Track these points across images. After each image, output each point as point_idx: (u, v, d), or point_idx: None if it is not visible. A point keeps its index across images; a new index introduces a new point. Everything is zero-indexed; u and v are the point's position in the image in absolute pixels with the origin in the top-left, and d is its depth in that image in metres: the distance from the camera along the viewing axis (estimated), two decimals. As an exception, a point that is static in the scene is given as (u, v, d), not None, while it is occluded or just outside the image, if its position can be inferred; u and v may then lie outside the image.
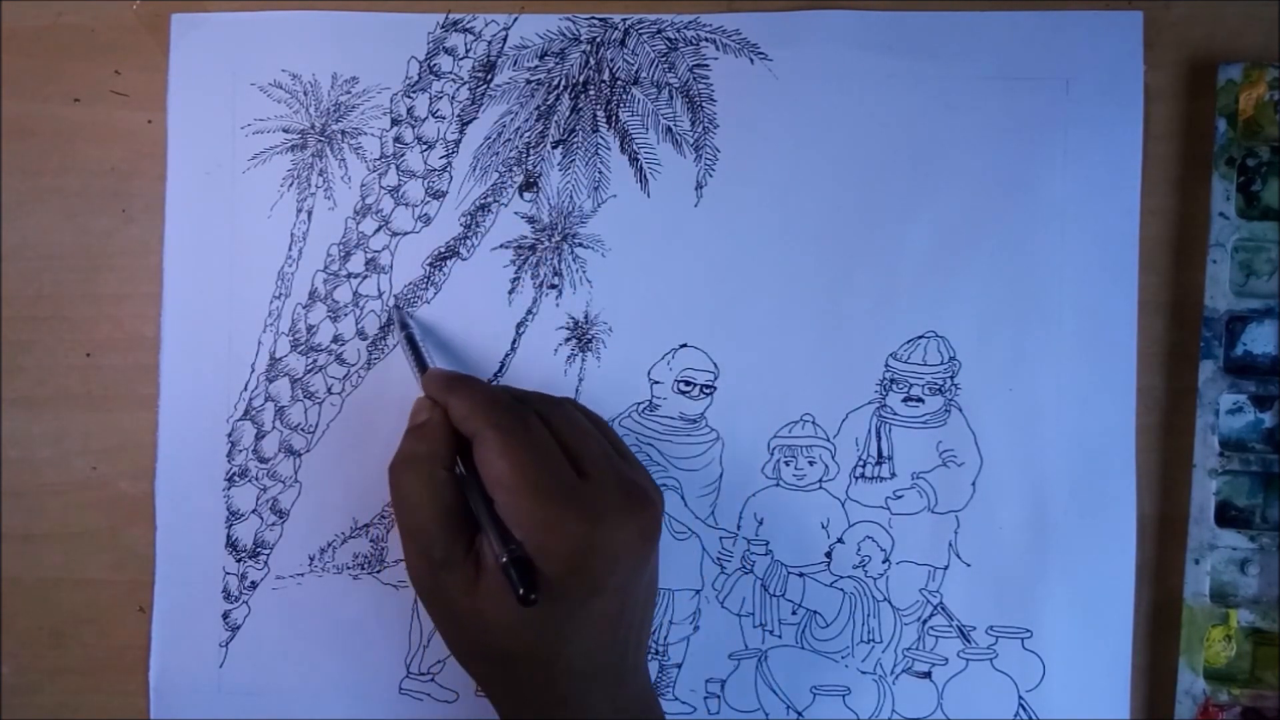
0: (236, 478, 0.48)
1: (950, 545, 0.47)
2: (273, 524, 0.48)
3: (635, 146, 0.47)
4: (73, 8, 0.48)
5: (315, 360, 0.48)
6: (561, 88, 0.47)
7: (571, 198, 0.47)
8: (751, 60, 0.47)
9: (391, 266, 0.48)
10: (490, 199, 0.48)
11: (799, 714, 0.47)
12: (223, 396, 0.48)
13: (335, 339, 0.48)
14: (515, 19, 0.47)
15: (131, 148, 0.48)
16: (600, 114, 0.47)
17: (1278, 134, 0.45)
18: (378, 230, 0.48)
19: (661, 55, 0.47)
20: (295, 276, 0.48)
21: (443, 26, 0.47)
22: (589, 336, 0.47)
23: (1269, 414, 0.46)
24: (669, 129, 0.47)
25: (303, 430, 0.48)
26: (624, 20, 0.47)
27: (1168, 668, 0.46)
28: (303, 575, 0.48)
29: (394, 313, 0.47)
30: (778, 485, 0.47)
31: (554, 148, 0.47)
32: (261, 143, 0.48)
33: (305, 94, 0.48)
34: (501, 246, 0.48)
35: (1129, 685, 0.46)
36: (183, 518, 0.48)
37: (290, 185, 0.48)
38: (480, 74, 0.47)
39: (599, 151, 0.47)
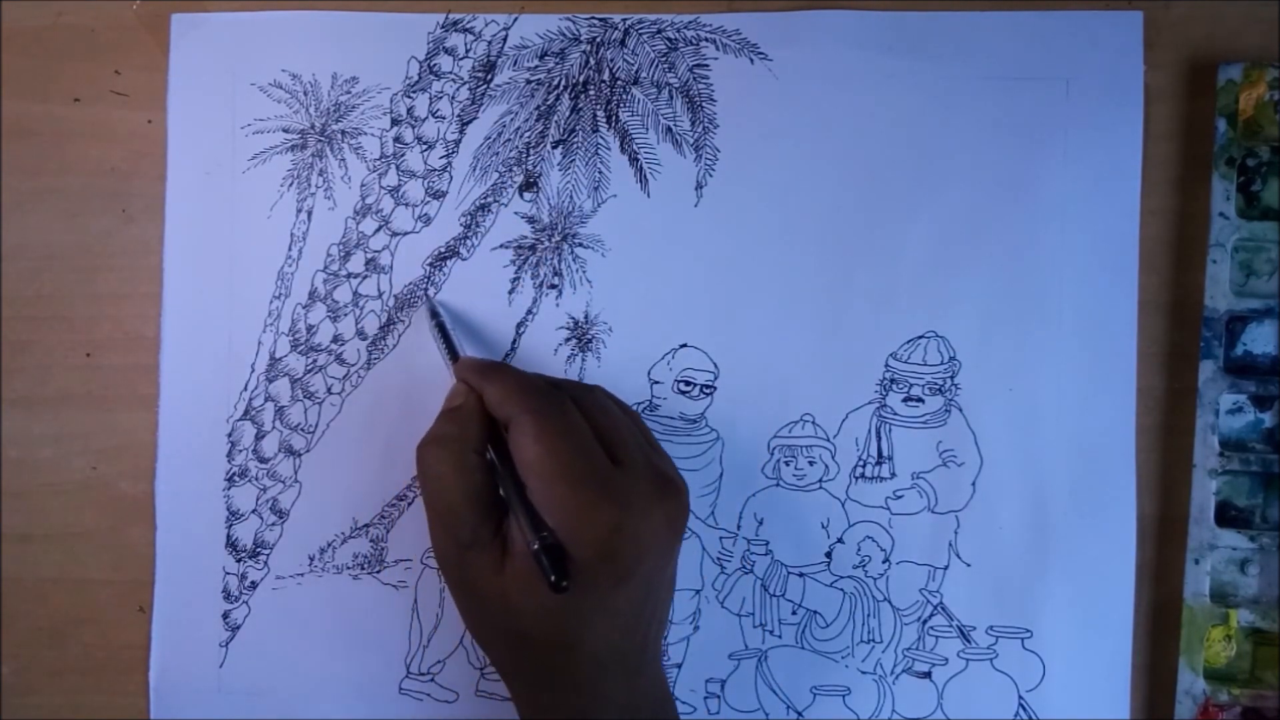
0: (236, 478, 0.48)
1: (950, 545, 0.47)
2: (273, 524, 0.48)
3: (635, 146, 0.47)
4: (73, 8, 0.48)
5: (315, 360, 0.48)
6: (561, 88, 0.47)
7: (571, 198, 0.47)
8: (751, 60, 0.47)
9: (391, 266, 0.48)
10: (490, 199, 0.48)
11: (799, 714, 0.47)
12: (223, 396, 0.48)
13: (335, 339, 0.48)
14: (515, 19, 0.47)
15: (131, 148, 0.48)
16: (600, 114, 0.47)
17: (1278, 134, 0.45)
18: (378, 230, 0.48)
19: (661, 55, 0.47)
20: (295, 276, 0.48)
21: (443, 26, 0.47)
22: (589, 336, 0.47)
23: (1269, 414, 0.46)
24: (669, 129, 0.47)
25: (303, 430, 0.48)
26: (624, 20, 0.47)
27: (1168, 668, 0.46)
28: (303, 575, 0.48)
29: (425, 301, 0.47)
30: (778, 485, 0.47)
31: (554, 148, 0.47)
32: (261, 143, 0.48)
33: (305, 94, 0.48)
34: (501, 246, 0.48)
35: (1129, 685, 0.46)
36: (183, 518, 0.48)
37: (290, 185, 0.48)
38: (480, 74, 0.47)
39: (599, 151, 0.47)
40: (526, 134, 0.48)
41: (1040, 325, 0.46)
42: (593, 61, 0.47)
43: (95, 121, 0.48)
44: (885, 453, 0.47)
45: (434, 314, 0.46)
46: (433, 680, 0.48)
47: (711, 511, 0.47)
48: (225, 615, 0.48)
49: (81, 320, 0.48)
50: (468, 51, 0.47)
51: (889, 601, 0.47)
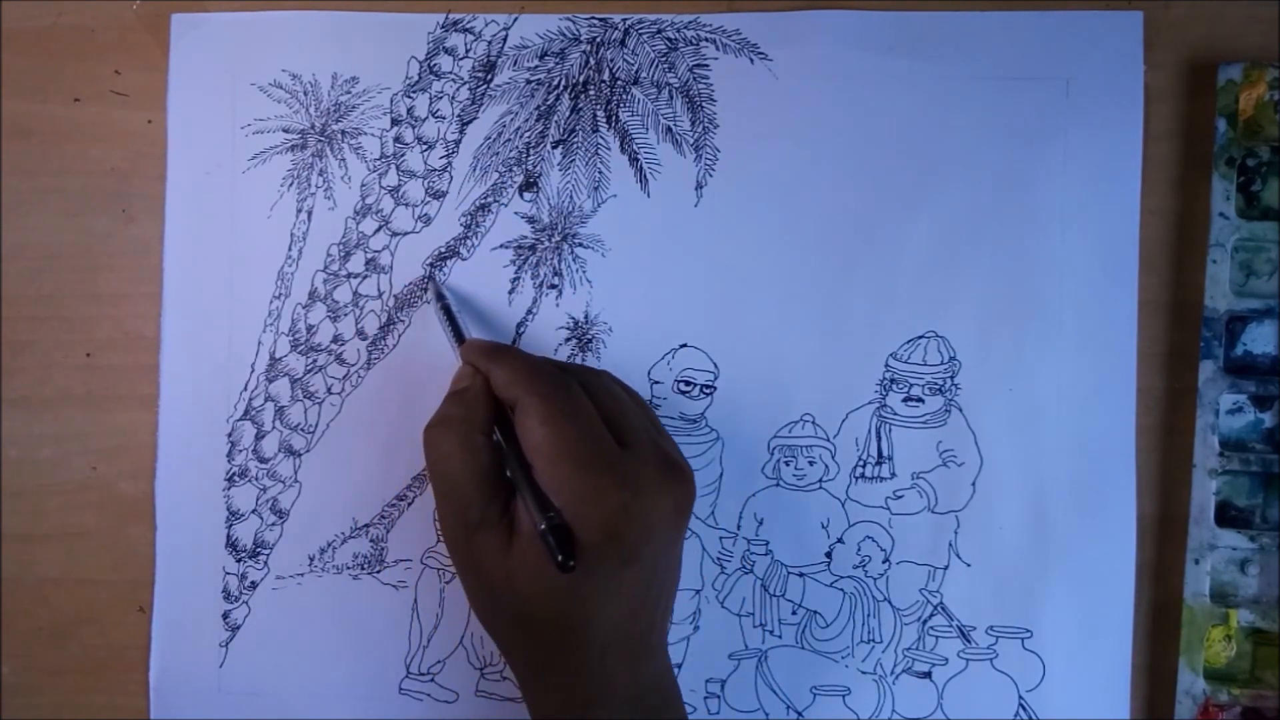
0: (236, 478, 0.48)
1: (950, 545, 0.47)
2: (273, 524, 0.48)
3: (635, 146, 0.47)
4: (73, 8, 0.48)
5: (315, 360, 0.48)
6: (561, 88, 0.47)
7: (571, 198, 0.47)
8: (751, 60, 0.47)
9: (391, 266, 0.48)
10: (490, 199, 0.48)
11: (799, 714, 0.47)
12: (223, 396, 0.48)
13: (335, 339, 0.48)
14: (515, 19, 0.47)
15: (131, 148, 0.48)
16: (600, 114, 0.47)
17: (1278, 134, 0.45)
18: (378, 230, 0.48)
19: (661, 55, 0.47)
20: (295, 276, 0.48)
21: (443, 26, 0.47)
22: (589, 336, 0.47)
23: (1269, 414, 0.46)
24: (669, 129, 0.47)
25: (303, 430, 0.48)
26: (624, 20, 0.47)
27: (1168, 668, 0.46)
28: (303, 575, 0.48)
29: (429, 282, 0.47)
30: (778, 485, 0.47)
31: (554, 148, 0.47)
32: (261, 143, 0.48)
33: (305, 94, 0.48)
34: (501, 246, 0.48)
35: (1129, 685, 0.46)
36: (183, 518, 0.48)
37: (290, 185, 0.48)
38: (480, 74, 0.47)
39: (599, 151, 0.47)
40: (526, 134, 0.48)
41: (1040, 325, 0.46)
42: (593, 61, 0.47)
43: (95, 121, 0.48)
44: (885, 453, 0.47)
45: (440, 296, 0.46)
46: (433, 680, 0.48)
47: (711, 511, 0.47)
48: (225, 615, 0.48)
49: (81, 320, 0.48)
50: (468, 51, 0.47)
51: (889, 601, 0.47)
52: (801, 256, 0.47)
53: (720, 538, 0.47)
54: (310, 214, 0.48)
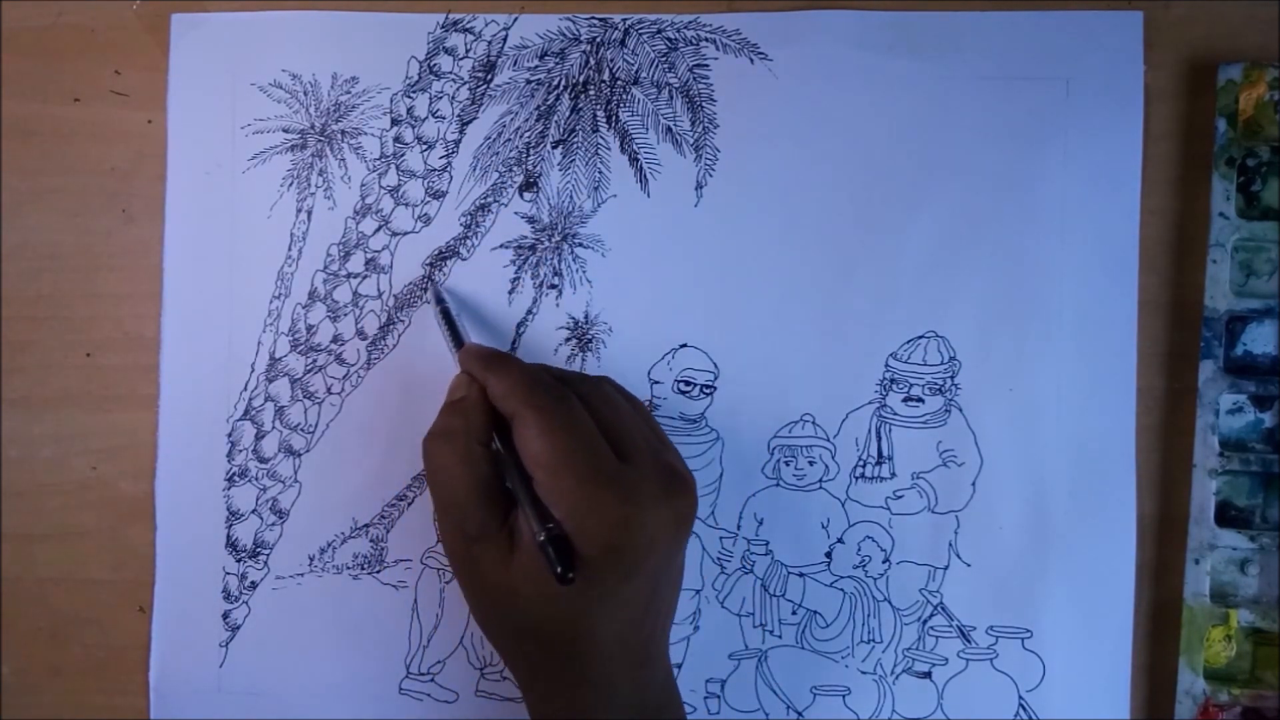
0: (236, 478, 0.48)
1: (950, 545, 0.47)
2: (273, 524, 0.48)
3: (635, 146, 0.47)
4: (73, 8, 0.48)
5: (315, 360, 0.48)
6: (561, 88, 0.47)
7: (571, 198, 0.47)
8: (751, 60, 0.47)
9: (391, 266, 0.48)
10: (490, 199, 0.48)
11: (799, 714, 0.47)
12: (223, 396, 0.48)
13: (335, 339, 0.48)
14: (515, 19, 0.47)
15: (131, 148, 0.48)
16: (600, 114, 0.47)
17: (1278, 134, 0.45)
18: (378, 230, 0.48)
19: (661, 55, 0.47)
20: (295, 276, 0.48)
21: (443, 26, 0.47)
22: (589, 336, 0.47)
23: (1269, 414, 0.46)
24: (669, 129, 0.47)
25: (302, 430, 0.48)
26: (624, 20, 0.47)
27: (1168, 668, 0.46)
28: (303, 575, 0.48)
29: (429, 285, 0.47)
30: (778, 485, 0.47)
31: (554, 148, 0.47)
32: (261, 143, 0.48)
33: (305, 94, 0.48)
34: (501, 246, 0.48)
35: (1129, 685, 0.46)
36: (183, 518, 0.48)
37: (290, 185, 0.48)
38: (480, 74, 0.47)
39: (599, 151, 0.47)
40: (526, 134, 0.48)
41: (1040, 325, 0.46)
42: (593, 61, 0.47)
43: (95, 121, 0.48)
44: (885, 453, 0.47)
45: (439, 300, 0.46)
46: (433, 680, 0.48)
47: (711, 511, 0.47)
48: (225, 615, 0.48)
49: (81, 320, 0.48)
50: (468, 51, 0.47)
51: (889, 601, 0.47)
52: (801, 256, 0.47)
53: (720, 538, 0.47)
54: (310, 214, 0.48)
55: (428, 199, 0.48)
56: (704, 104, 0.47)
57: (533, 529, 0.37)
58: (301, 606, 0.48)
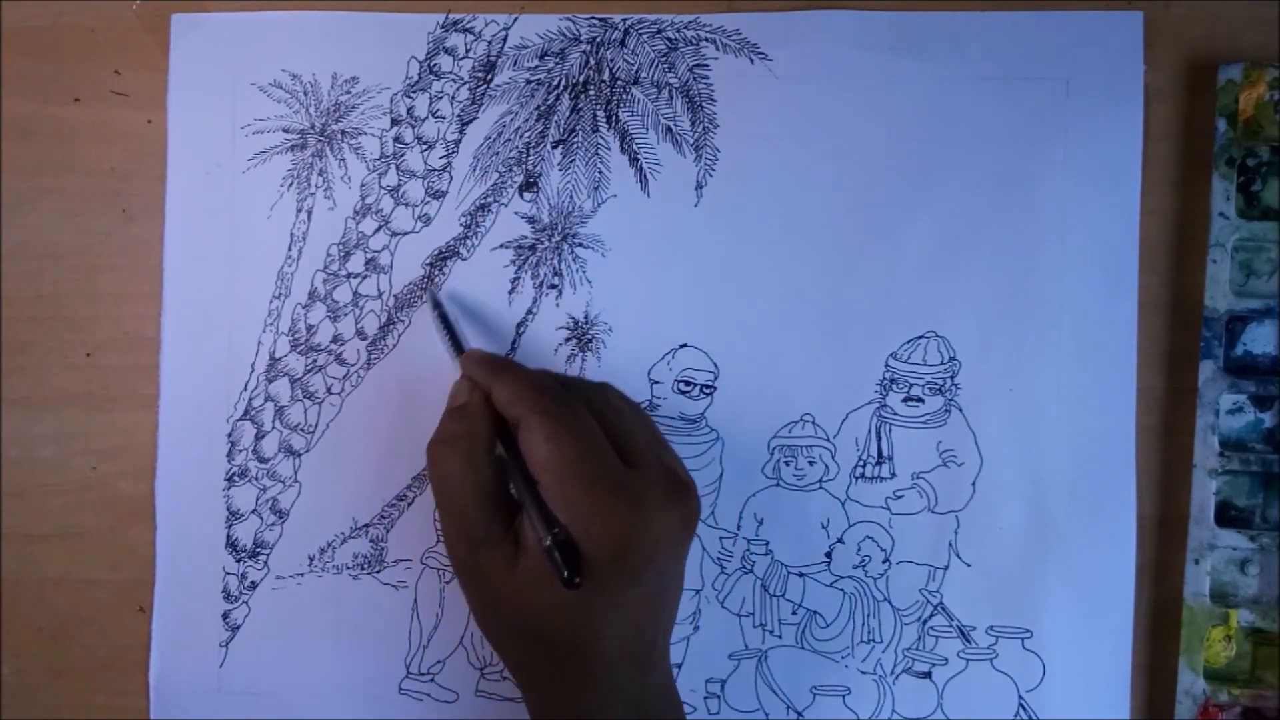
0: (236, 478, 0.48)
1: (950, 545, 0.47)
2: (273, 524, 0.48)
3: (635, 146, 0.47)
4: (73, 8, 0.48)
5: (315, 360, 0.48)
6: (561, 88, 0.47)
7: (571, 198, 0.47)
8: (751, 60, 0.47)
9: (391, 266, 0.48)
10: (490, 199, 0.48)
11: (799, 714, 0.47)
12: (223, 396, 0.48)
13: (335, 339, 0.48)
14: (515, 19, 0.47)
15: (131, 148, 0.48)
16: (600, 114, 0.47)
17: (1278, 134, 0.45)
18: (378, 230, 0.48)
19: (661, 55, 0.47)
20: (295, 276, 0.48)
21: (443, 26, 0.47)
22: (589, 336, 0.47)
23: (1269, 414, 0.46)
24: (669, 129, 0.47)
25: (303, 430, 0.48)
26: (624, 20, 0.47)
27: (1168, 668, 0.46)
28: (303, 575, 0.48)
29: (426, 290, 0.47)
30: (778, 485, 0.47)
31: (554, 148, 0.47)
32: (261, 143, 0.48)
33: (305, 94, 0.48)
34: (501, 246, 0.48)
35: (1129, 685, 0.46)
36: (183, 518, 0.48)
37: (290, 185, 0.48)
38: (480, 74, 0.47)
39: (599, 151, 0.47)
40: (526, 134, 0.48)
41: (1040, 325, 0.46)
42: (593, 61, 0.47)
43: (95, 121, 0.48)
44: (885, 453, 0.47)
45: (436, 305, 0.46)
46: (433, 680, 0.48)
47: (711, 511, 0.47)
48: (225, 615, 0.48)
49: (81, 320, 0.48)
50: (468, 51, 0.47)
51: (889, 601, 0.47)
52: (801, 256, 0.47)
53: (720, 538, 0.47)
54: (310, 214, 0.48)
55: (428, 199, 0.48)
56: (704, 104, 0.47)
57: (539, 534, 0.37)
58: (301, 606, 0.48)
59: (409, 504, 0.48)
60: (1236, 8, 0.46)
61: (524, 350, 0.47)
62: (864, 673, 0.47)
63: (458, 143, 0.48)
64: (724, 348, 0.47)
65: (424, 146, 0.48)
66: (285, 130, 0.48)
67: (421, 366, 0.47)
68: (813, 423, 0.47)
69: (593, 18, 0.47)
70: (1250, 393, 0.45)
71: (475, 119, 0.48)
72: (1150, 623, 0.47)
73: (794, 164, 0.47)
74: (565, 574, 0.36)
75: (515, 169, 0.48)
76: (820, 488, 0.47)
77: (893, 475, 0.47)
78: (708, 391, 0.47)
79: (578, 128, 0.47)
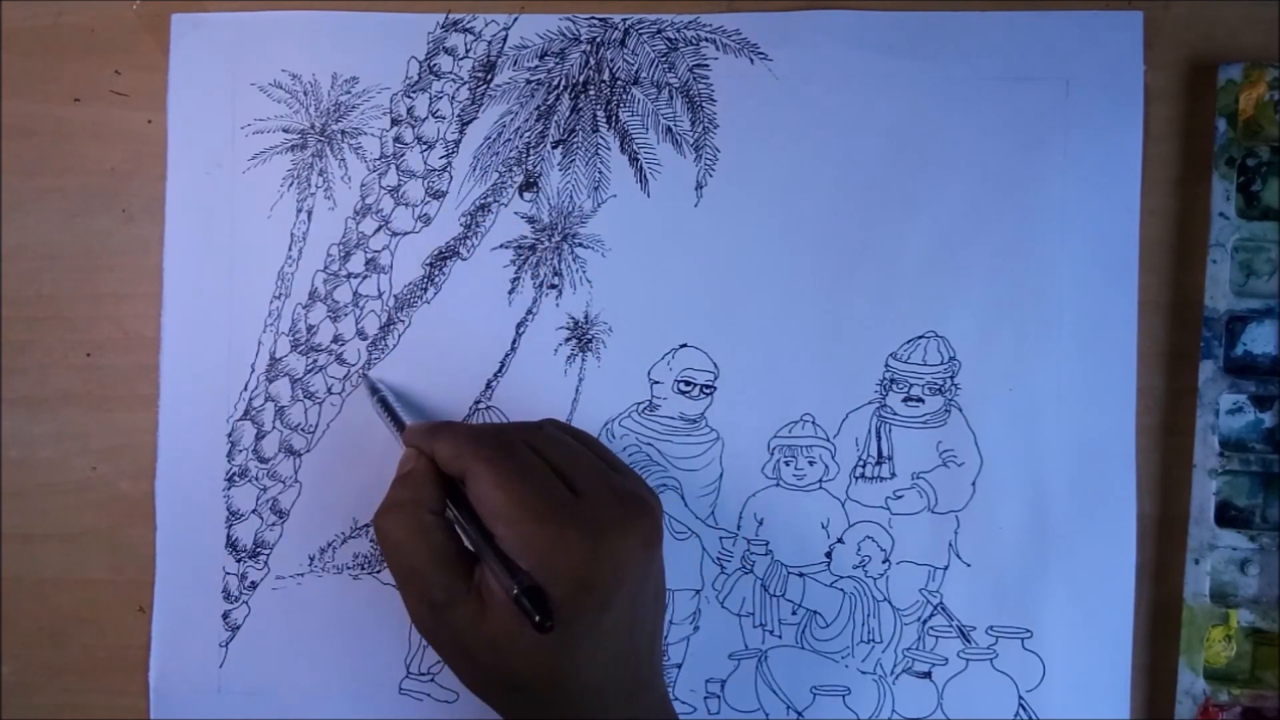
0: (236, 478, 0.48)
1: (950, 545, 0.47)
2: (273, 524, 0.48)
3: (635, 146, 0.47)
4: (73, 8, 0.48)
5: (315, 360, 0.48)
6: (561, 88, 0.47)
7: (571, 198, 0.47)
8: (751, 60, 0.47)
9: (391, 266, 0.48)
10: (490, 199, 0.48)
11: (799, 714, 0.47)
12: (223, 396, 0.48)
13: (335, 339, 0.48)
14: (515, 19, 0.47)
15: (131, 148, 0.48)
16: (600, 114, 0.47)
17: (1278, 134, 0.45)
18: (378, 230, 0.48)
19: (661, 55, 0.47)
20: (295, 276, 0.48)
21: (443, 26, 0.47)
22: (589, 336, 0.47)
23: (1269, 414, 0.46)
24: (669, 129, 0.47)
25: (303, 430, 0.48)
26: (624, 20, 0.47)
27: (1168, 668, 0.46)
28: (303, 575, 0.48)
29: (363, 380, 0.47)
30: (778, 485, 0.47)
31: (554, 148, 0.47)
32: (261, 143, 0.48)
33: (305, 94, 0.48)
34: (501, 246, 0.48)
35: (1129, 685, 0.46)
36: (183, 518, 0.48)
37: (290, 185, 0.48)
38: (480, 74, 0.47)
39: (599, 151, 0.47)
40: (526, 134, 0.48)
41: (1040, 325, 0.46)
42: (593, 61, 0.47)
43: (95, 121, 0.48)
44: (885, 453, 0.47)
45: (374, 390, 0.46)
46: (433, 680, 0.48)
47: (711, 511, 0.47)
48: (225, 615, 0.48)
49: (81, 320, 0.48)
50: (468, 51, 0.47)
51: (889, 601, 0.47)
52: (801, 256, 0.47)
53: (720, 538, 0.47)
54: (310, 214, 0.48)
55: (428, 199, 0.48)
56: (704, 104, 0.47)
57: (502, 585, 0.37)
58: (301, 606, 0.48)
59: (409, 504, 0.48)
60: (1236, 8, 0.46)
61: (524, 350, 0.47)
62: (864, 673, 0.47)
63: (458, 143, 0.48)
64: (724, 348, 0.47)
65: (424, 146, 0.48)
66: (285, 130, 0.48)
67: (422, 366, 0.47)
68: (813, 423, 0.47)
69: (593, 18, 0.47)
70: (1250, 393, 0.45)
71: (475, 119, 0.48)
72: (1150, 623, 0.47)
73: (794, 164, 0.47)
74: (537, 618, 0.36)
75: (515, 169, 0.48)
76: (820, 488, 0.47)
77: (893, 475, 0.47)
78: (708, 391, 0.47)
79: (578, 128, 0.47)
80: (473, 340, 0.47)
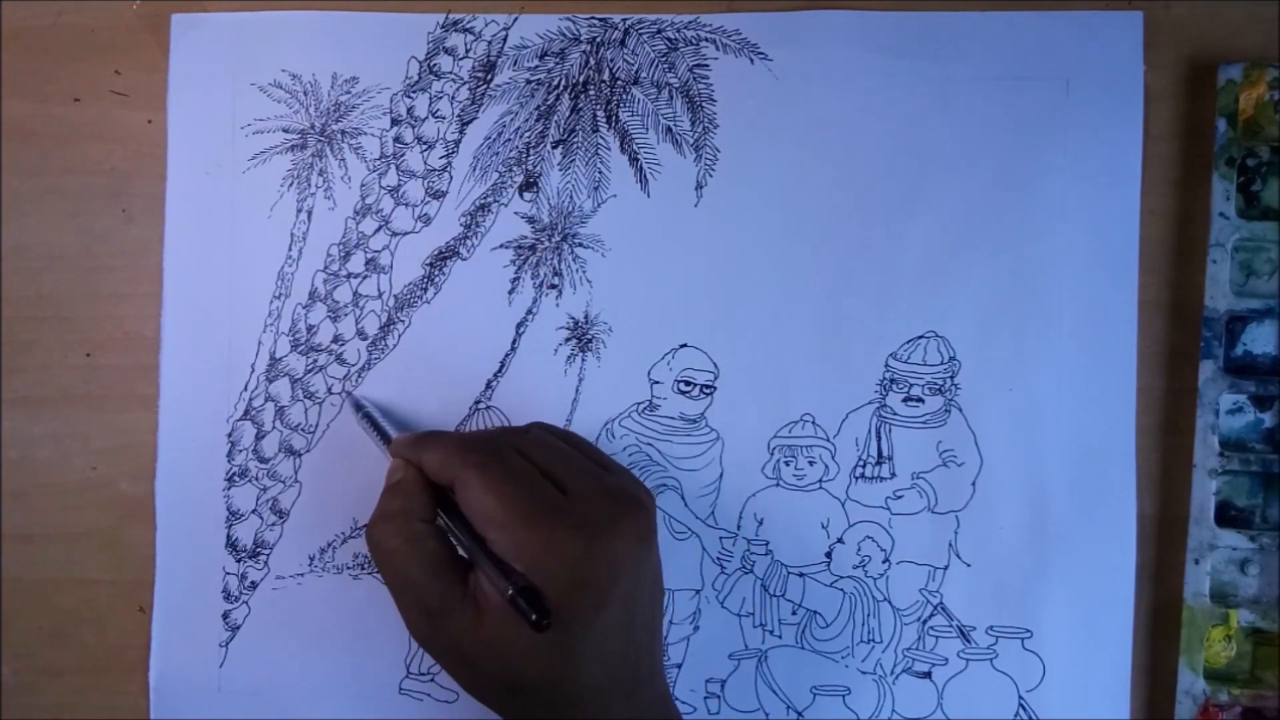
0: (236, 478, 0.48)
1: (950, 545, 0.47)
2: (273, 524, 0.48)
3: (635, 146, 0.47)
4: (73, 8, 0.48)
5: (315, 360, 0.48)
6: (561, 88, 0.47)
7: (571, 198, 0.47)
8: (751, 60, 0.47)
9: (391, 266, 0.48)
10: (490, 199, 0.48)
11: (799, 714, 0.47)
12: (223, 396, 0.48)
13: (335, 339, 0.48)
14: (515, 19, 0.47)
15: (131, 148, 0.48)
16: (600, 114, 0.47)
17: (1278, 134, 0.45)
18: (378, 230, 0.48)
19: (661, 55, 0.47)
20: (295, 276, 0.48)
21: (443, 26, 0.47)
22: (589, 336, 0.47)
23: (1269, 414, 0.46)
24: (669, 129, 0.47)
25: (303, 430, 0.48)
26: (624, 20, 0.47)
27: (1168, 668, 0.46)
28: (303, 575, 0.48)
29: (347, 399, 0.47)
30: (778, 485, 0.47)
31: (554, 148, 0.47)
32: (261, 143, 0.48)
33: (305, 94, 0.48)
34: (501, 246, 0.48)
35: (1129, 685, 0.46)
36: (183, 518, 0.48)
37: (290, 185, 0.48)
38: (480, 74, 0.47)
39: (599, 151, 0.47)
40: (526, 134, 0.48)
41: (1040, 325, 0.46)
42: (593, 61, 0.47)
43: (95, 121, 0.48)
44: (885, 453, 0.47)
45: (358, 407, 0.46)
46: (433, 680, 0.48)
47: (711, 511, 0.47)
48: (225, 615, 0.48)
49: (81, 320, 0.48)
50: (468, 51, 0.47)
51: (889, 601, 0.47)
52: (801, 256, 0.47)
53: (720, 538, 0.47)
54: (310, 214, 0.48)
55: (428, 199, 0.48)
56: (704, 104, 0.47)
57: (497, 588, 0.37)
58: (301, 606, 0.48)
59: (409, 504, 0.48)
60: (1236, 8, 0.46)
61: (524, 350, 0.47)
62: (864, 673, 0.47)
63: (458, 143, 0.48)
64: (724, 348, 0.47)
65: (424, 146, 0.48)
66: (285, 130, 0.48)
67: (422, 366, 0.47)
68: (813, 423, 0.47)
69: (593, 18, 0.47)
70: (1250, 393, 0.45)
71: (475, 119, 0.48)
72: (1150, 623, 0.47)
73: (794, 164, 0.47)
74: (533, 617, 0.36)
75: (515, 169, 0.48)
76: (820, 488, 0.47)
77: (893, 475, 0.47)
78: (708, 391, 0.47)
79: (578, 128, 0.47)
80: (473, 340, 0.47)
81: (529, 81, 0.47)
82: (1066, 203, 0.46)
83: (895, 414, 0.47)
